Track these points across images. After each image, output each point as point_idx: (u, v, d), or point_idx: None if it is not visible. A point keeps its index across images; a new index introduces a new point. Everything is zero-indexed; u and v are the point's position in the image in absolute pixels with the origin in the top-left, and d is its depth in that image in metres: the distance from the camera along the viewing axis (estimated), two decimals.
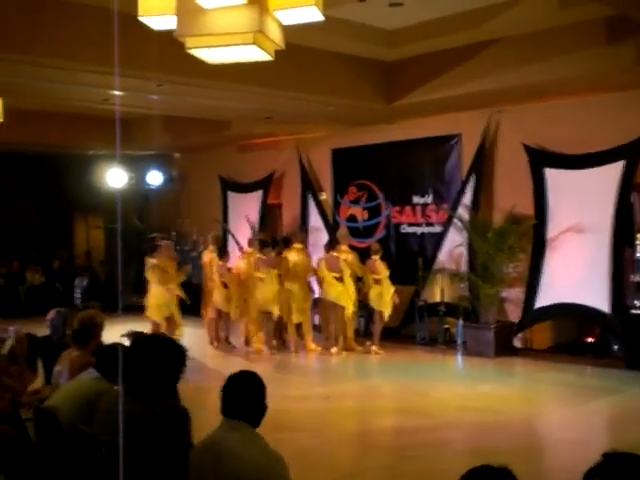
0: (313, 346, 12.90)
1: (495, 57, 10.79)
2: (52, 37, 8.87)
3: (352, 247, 13.57)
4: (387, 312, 12.58)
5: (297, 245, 13.05)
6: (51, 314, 7.06)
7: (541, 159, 12.19)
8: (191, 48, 4.38)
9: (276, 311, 12.55)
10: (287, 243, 13.16)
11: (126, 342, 4.95)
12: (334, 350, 12.55)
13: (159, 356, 4.07)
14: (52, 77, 10.19)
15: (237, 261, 13.60)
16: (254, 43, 4.21)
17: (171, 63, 9.14)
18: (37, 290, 18.05)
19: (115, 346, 4.78)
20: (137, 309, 17.19)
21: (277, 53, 4.82)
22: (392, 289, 12.53)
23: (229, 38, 4.24)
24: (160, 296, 11.97)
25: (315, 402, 9.59)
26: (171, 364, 4.09)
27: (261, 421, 3.81)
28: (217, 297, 13.22)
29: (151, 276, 12.12)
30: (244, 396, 3.76)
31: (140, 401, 3.93)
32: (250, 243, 13.63)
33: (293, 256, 12.75)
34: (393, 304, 12.59)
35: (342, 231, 13.66)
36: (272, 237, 14.27)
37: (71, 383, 5.08)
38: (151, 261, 12.18)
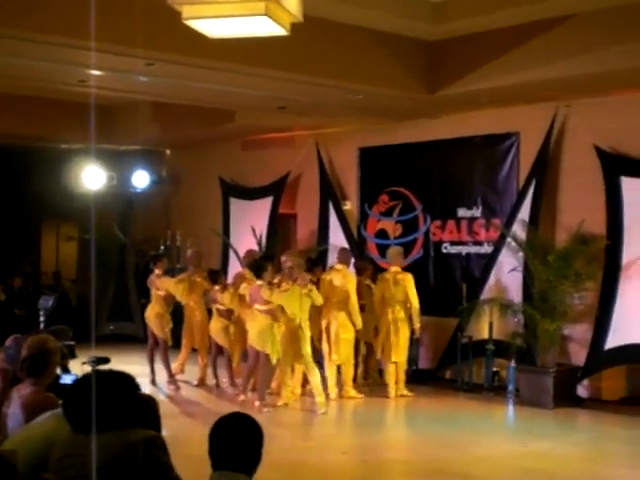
0: (354, 392, 12.82)
1: (565, 38, 10.72)
2: (14, 1, 8.84)
3: (380, 269, 13.60)
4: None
5: (338, 266, 13.02)
6: (8, 341, 7.09)
7: (617, 165, 12.19)
8: (188, 19, 4.41)
9: None
10: (313, 265, 13.18)
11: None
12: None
13: (118, 388, 4.17)
14: (14, 51, 10.09)
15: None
16: (266, 14, 4.23)
17: (163, 37, 9.22)
18: None
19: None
20: (114, 339, 17.33)
21: (294, 27, 4.86)
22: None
23: (235, 7, 4.24)
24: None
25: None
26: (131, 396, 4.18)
27: (255, 470, 3.90)
28: (213, 328, 13.32)
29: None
30: (240, 443, 3.85)
31: (111, 430, 3.99)
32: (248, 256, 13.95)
33: (336, 280, 12.68)
34: None
35: (393, 250, 13.47)
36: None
37: (32, 423, 5.11)
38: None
